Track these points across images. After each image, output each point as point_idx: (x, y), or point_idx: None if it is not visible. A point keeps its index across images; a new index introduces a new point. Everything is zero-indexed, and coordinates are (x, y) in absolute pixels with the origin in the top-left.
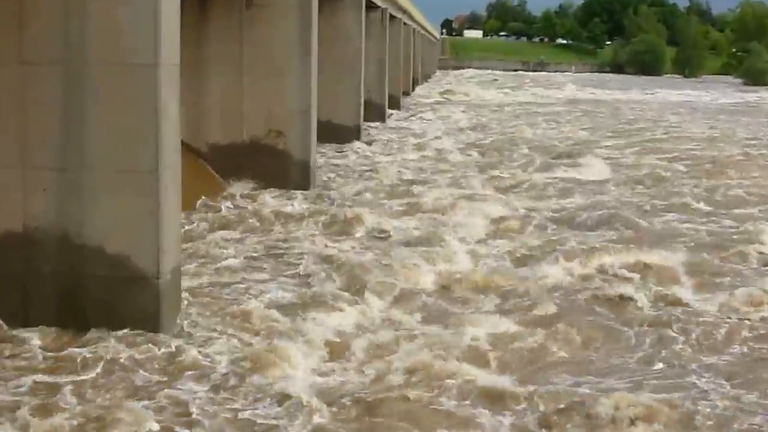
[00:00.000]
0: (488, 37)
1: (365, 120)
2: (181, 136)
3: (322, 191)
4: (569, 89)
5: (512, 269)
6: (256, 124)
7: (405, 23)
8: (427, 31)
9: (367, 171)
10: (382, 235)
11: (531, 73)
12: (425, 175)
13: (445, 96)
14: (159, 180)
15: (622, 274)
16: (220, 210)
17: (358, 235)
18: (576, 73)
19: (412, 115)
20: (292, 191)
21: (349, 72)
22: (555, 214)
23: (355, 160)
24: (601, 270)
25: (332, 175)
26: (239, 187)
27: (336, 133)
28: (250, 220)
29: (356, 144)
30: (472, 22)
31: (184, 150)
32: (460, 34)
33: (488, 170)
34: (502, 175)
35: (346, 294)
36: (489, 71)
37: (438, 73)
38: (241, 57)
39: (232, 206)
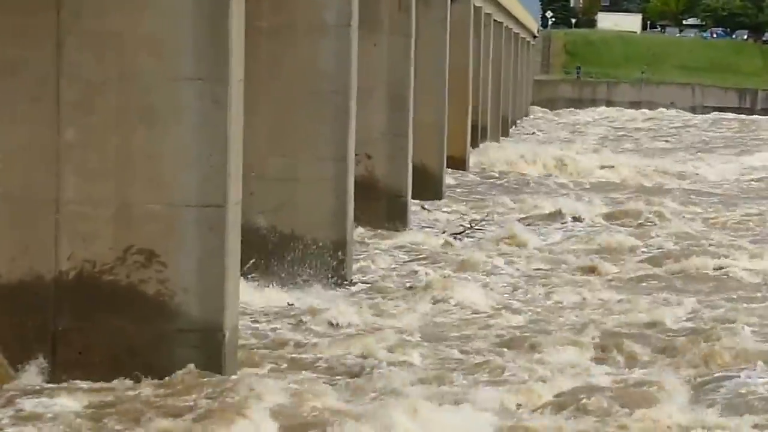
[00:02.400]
0: (653, 32)
1: None
2: None
3: None
4: None
5: None
6: None
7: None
8: (510, 16)
9: None
10: None
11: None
12: None
13: None
14: None
15: None
16: None
17: None
18: None
19: None
20: None
21: None
22: None
23: None
24: None
25: None
26: None
27: None
28: None
29: None
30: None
31: None
32: (590, 23)
33: None
34: None
35: None
36: (663, 113)
37: (531, 116)
38: None
39: None
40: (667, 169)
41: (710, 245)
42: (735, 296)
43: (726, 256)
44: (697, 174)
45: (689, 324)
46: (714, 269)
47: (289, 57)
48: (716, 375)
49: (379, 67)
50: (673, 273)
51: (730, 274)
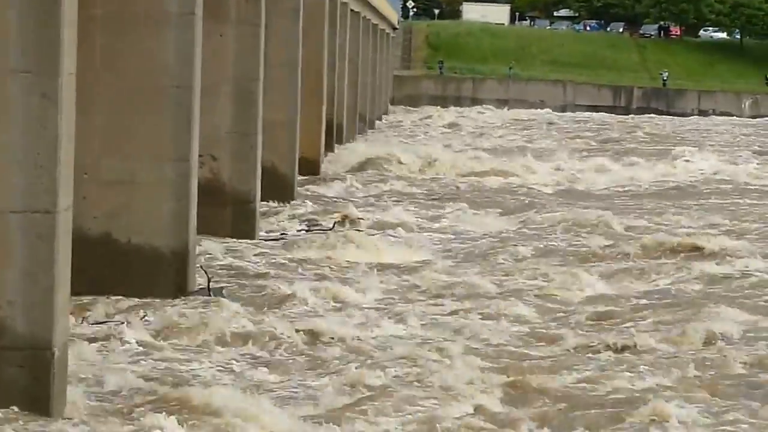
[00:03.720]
0: (522, 24)
1: None
2: None
3: None
4: None
5: None
6: None
7: None
8: (368, 6)
9: None
10: None
11: (646, 121)
12: None
13: None
14: None
15: None
16: None
17: None
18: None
19: None
20: None
21: None
22: None
23: None
24: None
25: None
26: None
27: None
28: None
29: None
30: None
31: None
32: (454, 14)
33: None
34: None
35: None
36: (531, 113)
37: (393, 116)
38: None
39: None
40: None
41: None
42: None
43: None
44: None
45: None
46: None
47: (127, 48)
48: None
49: (225, 60)
50: None
51: None
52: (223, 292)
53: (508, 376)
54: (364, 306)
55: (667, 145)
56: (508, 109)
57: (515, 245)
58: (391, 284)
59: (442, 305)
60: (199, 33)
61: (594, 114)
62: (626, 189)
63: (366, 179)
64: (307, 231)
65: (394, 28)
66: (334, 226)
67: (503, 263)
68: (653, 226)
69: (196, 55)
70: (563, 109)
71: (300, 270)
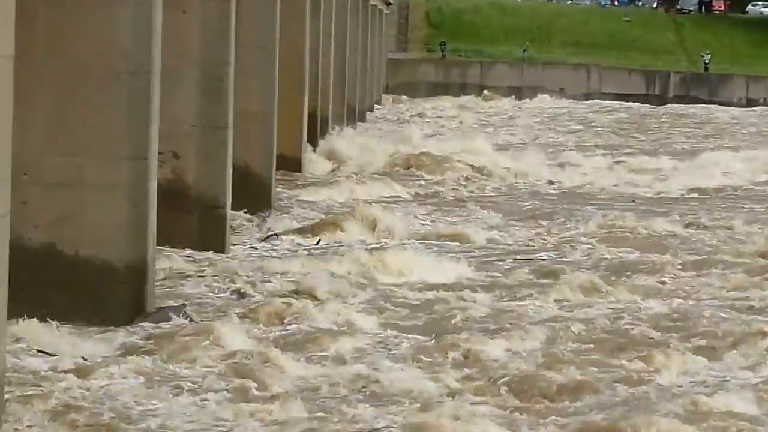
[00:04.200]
0: None
1: None
2: None
3: None
4: None
5: None
6: None
7: None
8: None
9: None
10: None
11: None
12: None
13: None
14: None
15: None
16: None
17: None
18: None
19: None
20: None
21: None
22: None
23: None
24: None
25: None
26: None
27: None
28: None
29: None
30: None
31: None
32: None
33: None
34: None
35: None
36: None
37: (385, 107)
38: None
39: None
40: None
41: None
42: None
43: None
44: None
45: None
46: None
47: (75, 29)
48: None
49: (189, 42)
50: None
51: None
52: (185, 311)
53: None
54: None
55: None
56: (530, 99)
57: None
58: None
59: None
60: (159, 9)
61: (625, 104)
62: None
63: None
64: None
65: (388, 4)
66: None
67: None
68: None
69: (155, 35)
70: (587, 98)
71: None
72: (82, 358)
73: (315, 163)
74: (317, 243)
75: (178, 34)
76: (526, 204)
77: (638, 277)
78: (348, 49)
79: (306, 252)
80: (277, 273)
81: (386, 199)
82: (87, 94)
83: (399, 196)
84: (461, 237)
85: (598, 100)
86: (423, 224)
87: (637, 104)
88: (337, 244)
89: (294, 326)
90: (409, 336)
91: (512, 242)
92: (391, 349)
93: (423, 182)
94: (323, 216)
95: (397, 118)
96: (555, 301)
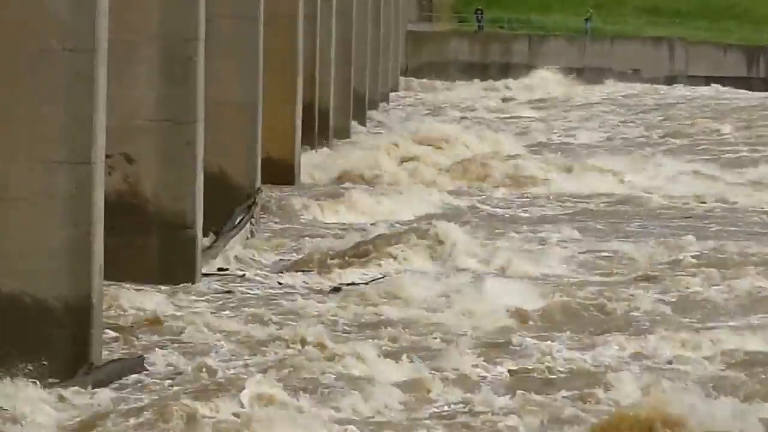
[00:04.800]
0: None
1: None
2: None
3: None
4: None
5: None
6: None
7: None
8: None
9: None
10: None
11: None
12: None
13: None
14: None
15: None
16: None
17: None
18: None
19: None
20: None
21: None
22: None
23: None
24: None
25: None
26: None
27: None
28: None
29: None
30: None
31: None
32: None
33: None
34: None
35: None
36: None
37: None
38: None
39: None
40: None
41: None
42: None
43: None
44: None
45: None
46: None
47: None
48: None
49: (146, 10)
50: None
51: None
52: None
53: None
54: None
55: None
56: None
57: None
58: None
59: None
60: None
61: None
62: None
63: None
64: None
65: None
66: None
67: None
68: None
69: (99, 5)
70: (669, 82)
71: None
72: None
73: (313, 169)
74: (336, 289)
75: (132, 1)
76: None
77: None
78: (355, 19)
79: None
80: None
81: (429, 216)
82: (13, 79)
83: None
84: None
85: (683, 85)
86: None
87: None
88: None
89: None
90: None
91: None
92: None
93: (483, 196)
94: (334, 243)
95: (420, 109)
96: None
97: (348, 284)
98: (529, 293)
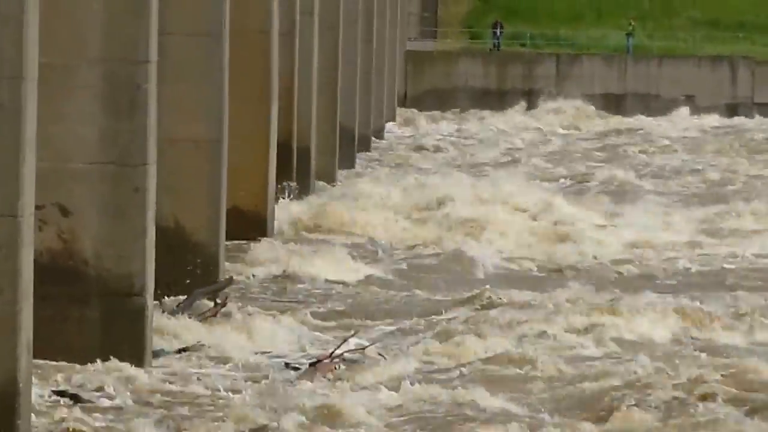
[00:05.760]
0: None
1: None
2: None
3: None
4: None
5: None
6: None
7: None
8: None
9: None
10: None
11: None
12: None
13: None
14: None
15: None
16: None
17: None
18: None
19: None
20: None
21: None
22: None
23: None
24: None
25: None
26: None
27: None
28: None
29: None
30: None
31: None
32: None
33: None
34: None
35: None
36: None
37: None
38: None
39: None
40: None
41: None
42: None
43: None
44: None
45: None
46: None
47: None
48: None
49: (85, 29)
50: None
51: None
52: None
53: None
54: None
55: None
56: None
57: None
58: None
59: None
60: None
61: None
62: None
63: None
64: None
65: None
66: None
67: None
68: None
69: (28, 15)
70: (732, 111)
71: None
72: None
73: (289, 221)
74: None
75: (69, 16)
76: None
77: None
78: (341, 35)
79: None
80: None
81: None
82: None
83: None
84: None
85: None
86: None
87: None
88: None
89: None
90: None
91: None
92: None
93: None
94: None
95: (422, 147)
96: None
97: None
98: None
